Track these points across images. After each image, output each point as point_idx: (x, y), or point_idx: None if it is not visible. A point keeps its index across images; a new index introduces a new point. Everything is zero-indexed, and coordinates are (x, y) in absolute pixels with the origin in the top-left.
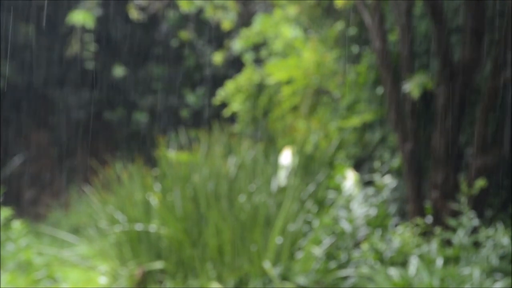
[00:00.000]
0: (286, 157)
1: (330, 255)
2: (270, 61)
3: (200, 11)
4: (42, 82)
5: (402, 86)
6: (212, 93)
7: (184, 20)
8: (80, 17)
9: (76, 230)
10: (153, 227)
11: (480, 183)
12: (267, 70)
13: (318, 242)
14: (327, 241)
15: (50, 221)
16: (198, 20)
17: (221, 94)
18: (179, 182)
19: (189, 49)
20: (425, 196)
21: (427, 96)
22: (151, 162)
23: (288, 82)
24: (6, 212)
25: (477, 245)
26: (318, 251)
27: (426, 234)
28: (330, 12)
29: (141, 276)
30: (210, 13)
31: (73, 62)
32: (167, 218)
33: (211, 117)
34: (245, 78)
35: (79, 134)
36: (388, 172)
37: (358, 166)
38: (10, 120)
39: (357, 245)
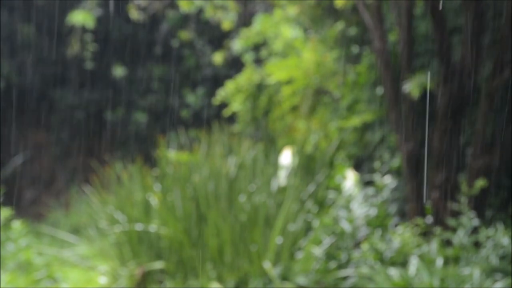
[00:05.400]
0: (286, 157)
1: (330, 255)
2: (270, 61)
3: (200, 11)
4: (42, 82)
5: (402, 86)
6: (212, 93)
7: (184, 20)
8: (80, 17)
9: (76, 230)
10: (153, 227)
11: (480, 183)
12: (267, 70)
13: (318, 242)
14: (327, 241)
15: (50, 221)
16: (198, 20)
17: (221, 94)
18: (179, 182)
19: (189, 49)
20: (425, 196)
21: (427, 96)
22: (151, 162)
23: (288, 82)
24: (6, 212)
25: (477, 245)
26: (318, 251)
27: (426, 234)
28: (330, 12)
29: (141, 276)
30: (210, 13)
31: (73, 62)
32: (167, 218)
33: (211, 117)
34: (245, 78)
35: (79, 134)
36: (388, 172)
37: (358, 166)
38: (10, 120)
39: (357, 245)
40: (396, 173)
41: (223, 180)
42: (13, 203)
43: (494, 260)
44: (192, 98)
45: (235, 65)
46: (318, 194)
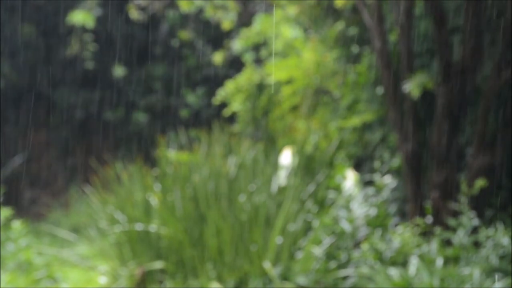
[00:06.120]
0: (286, 157)
1: (330, 255)
2: (270, 61)
3: (200, 11)
4: (42, 82)
5: (402, 86)
6: (212, 93)
7: (184, 20)
8: (80, 17)
9: (76, 230)
10: (153, 227)
11: (480, 183)
12: (267, 70)
13: (318, 242)
14: (327, 241)
15: (50, 221)
16: (198, 20)
17: (221, 94)
18: (179, 182)
19: (189, 49)
20: (425, 196)
21: (427, 96)
22: (151, 162)
23: (288, 82)
24: (6, 212)
25: (477, 245)
26: (318, 251)
27: (426, 234)
28: (330, 12)
29: (141, 276)
30: (210, 13)
31: (73, 62)
32: (167, 218)
33: (211, 117)
34: (245, 78)
35: (79, 134)
36: (388, 172)
37: (358, 166)
38: (10, 120)
39: (357, 245)
40: (396, 173)
41: (223, 180)
42: (13, 203)
43: (494, 260)
44: (192, 98)
45: (235, 65)
46: (318, 194)
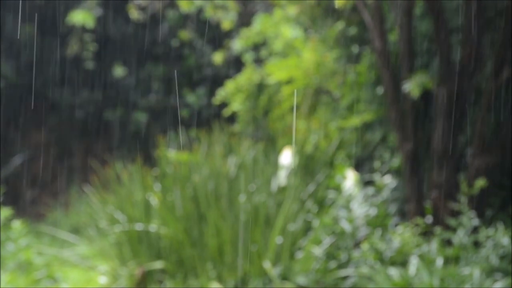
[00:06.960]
0: (286, 157)
1: (330, 255)
2: (270, 61)
3: (200, 11)
4: (42, 82)
5: (402, 86)
6: (212, 93)
7: (184, 20)
8: (80, 17)
9: (76, 230)
10: (153, 227)
11: (480, 183)
12: (267, 70)
13: (318, 242)
14: (327, 241)
15: (50, 221)
16: (198, 20)
17: (221, 94)
18: (179, 182)
19: (189, 49)
20: (425, 196)
21: (427, 96)
22: (151, 162)
23: (288, 82)
24: (6, 212)
25: (477, 245)
26: (318, 251)
27: (426, 234)
28: (330, 12)
29: (141, 276)
30: (210, 13)
31: (73, 62)
32: (167, 218)
33: (211, 117)
34: (245, 78)
35: (79, 134)
36: (388, 172)
37: (358, 166)
38: (10, 120)
39: (357, 245)
40: (396, 173)
41: (223, 180)
42: (13, 203)
43: (494, 260)
44: (192, 98)
45: (235, 65)
46: (318, 194)
